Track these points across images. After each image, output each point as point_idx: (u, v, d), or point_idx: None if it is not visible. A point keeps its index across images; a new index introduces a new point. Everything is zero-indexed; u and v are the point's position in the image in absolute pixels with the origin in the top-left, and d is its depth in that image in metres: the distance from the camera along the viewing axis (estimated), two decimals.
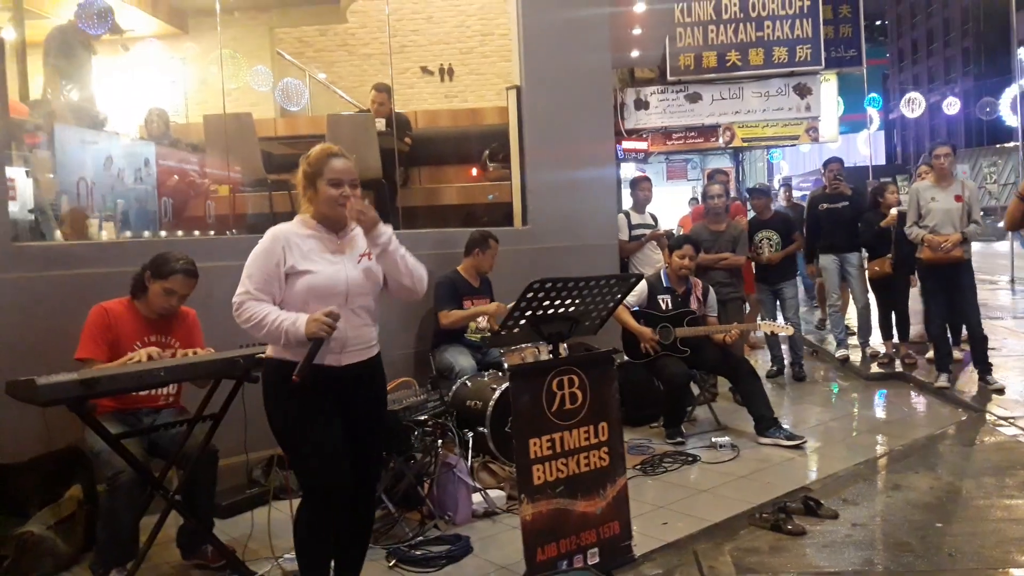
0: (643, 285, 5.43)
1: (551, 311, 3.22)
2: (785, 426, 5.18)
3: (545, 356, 4.70)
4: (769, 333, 5.92)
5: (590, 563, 3.17)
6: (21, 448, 3.70)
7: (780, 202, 12.75)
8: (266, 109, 8.44)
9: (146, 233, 5.32)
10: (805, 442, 5.02)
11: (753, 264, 7.26)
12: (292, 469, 2.98)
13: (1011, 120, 31.93)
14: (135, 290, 3.59)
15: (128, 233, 5.05)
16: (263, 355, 2.97)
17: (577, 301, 3.28)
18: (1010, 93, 31.75)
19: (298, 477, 2.92)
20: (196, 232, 5.74)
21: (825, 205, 7.21)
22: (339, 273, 2.81)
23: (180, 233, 5.55)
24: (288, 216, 3.00)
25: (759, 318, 6.61)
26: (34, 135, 4.94)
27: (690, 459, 4.87)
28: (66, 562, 3.55)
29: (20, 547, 3.44)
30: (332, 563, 2.96)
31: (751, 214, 7.75)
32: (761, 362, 7.45)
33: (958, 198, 6.06)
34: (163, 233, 5.47)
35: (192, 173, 6.18)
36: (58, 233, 4.52)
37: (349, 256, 2.88)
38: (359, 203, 2.82)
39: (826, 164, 7.50)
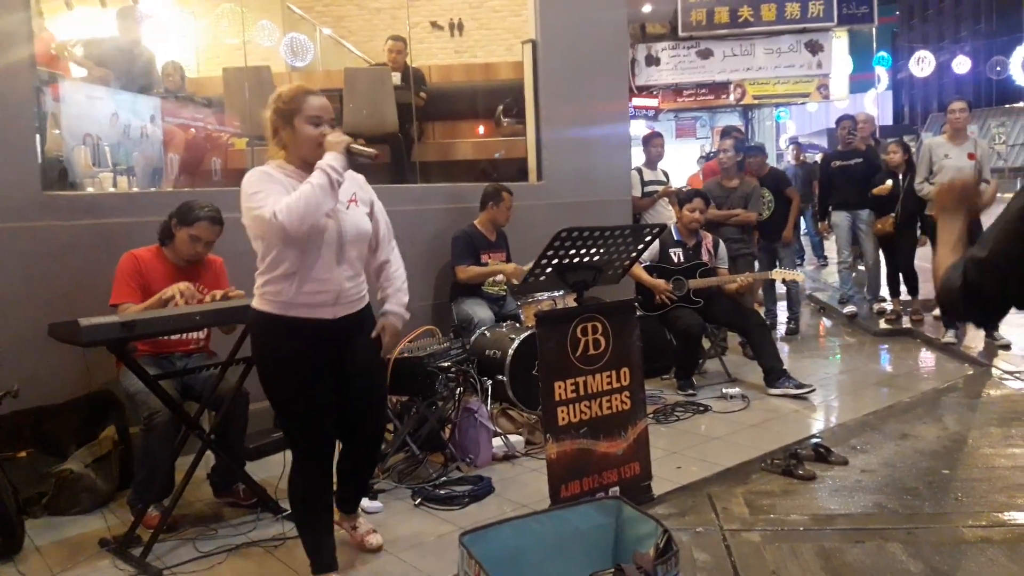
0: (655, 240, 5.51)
1: (576, 259, 3.30)
2: (796, 380, 5.29)
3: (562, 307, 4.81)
4: (782, 280, 6.00)
5: None
6: (59, 391, 3.82)
7: (789, 160, 12.75)
8: (279, 63, 8.42)
9: (168, 188, 5.38)
10: (813, 390, 5.14)
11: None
12: (280, 424, 2.85)
13: (1021, 80, 31.66)
14: (163, 237, 3.67)
15: (135, 188, 5.10)
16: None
17: (602, 250, 3.36)
18: (1021, 52, 31.44)
19: (287, 433, 2.82)
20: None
21: (838, 162, 7.24)
22: (330, 220, 2.62)
23: (203, 188, 5.60)
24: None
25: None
26: (56, 86, 4.96)
27: (701, 409, 4.99)
28: (103, 499, 3.70)
29: (59, 484, 3.58)
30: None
31: None
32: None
33: (971, 156, 6.10)
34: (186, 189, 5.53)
35: (208, 128, 6.21)
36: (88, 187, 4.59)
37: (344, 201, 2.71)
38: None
39: (839, 121, 7.51)
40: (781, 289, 7.28)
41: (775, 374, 5.28)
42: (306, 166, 2.64)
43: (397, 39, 6.84)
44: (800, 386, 5.17)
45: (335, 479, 2.90)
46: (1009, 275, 1.53)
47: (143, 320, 3.00)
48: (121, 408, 3.88)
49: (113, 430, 3.83)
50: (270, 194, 2.54)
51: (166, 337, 3.53)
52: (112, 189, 4.76)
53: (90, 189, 4.56)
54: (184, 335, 3.64)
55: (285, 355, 2.65)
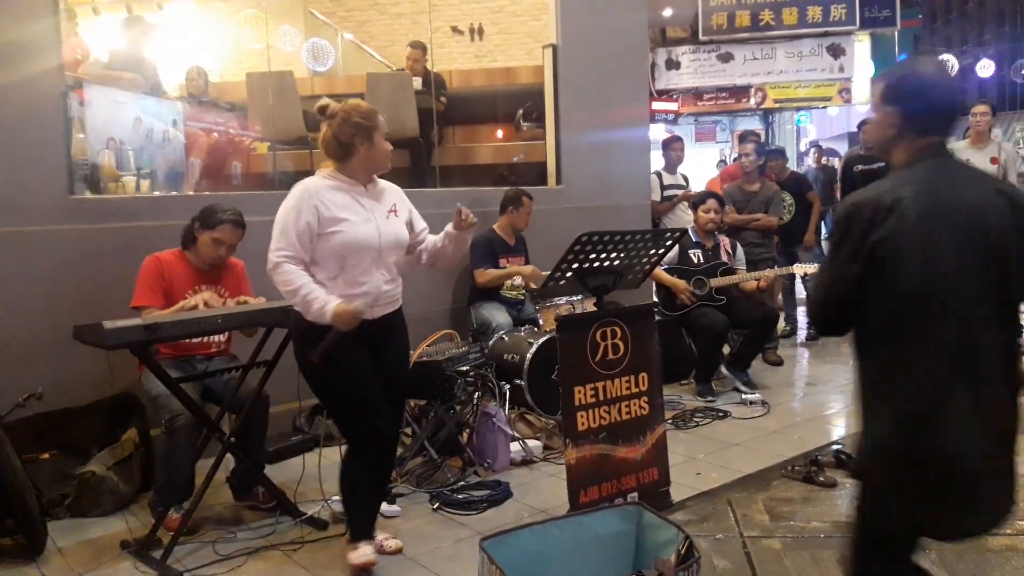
0: None
1: (596, 264, 3.30)
2: (756, 385, 5.42)
3: (579, 312, 4.80)
4: (803, 275, 5.97)
5: None
6: (83, 393, 3.86)
7: (810, 164, 12.66)
8: (301, 68, 8.48)
9: (190, 192, 5.43)
10: (757, 401, 5.13)
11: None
12: (335, 420, 3.07)
13: None
14: (186, 241, 3.70)
15: (158, 192, 5.16)
16: None
17: (622, 255, 3.35)
18: None
19: (345, 428, 3.01)
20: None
21: (860, 166, 7.16)
22: (371, 227, 2.87)
23: (226, 192, 5.65)
24: None
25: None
26: (82, 91, 5.03)
27: (721, 414, 4.96)
28: (125, 501, 3.72)
29: (82, 486, 3.61)
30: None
31: None
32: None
33: (994, 160, 6.02)
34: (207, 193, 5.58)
35: (230, 132, 6.26)
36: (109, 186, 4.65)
37: (379, 209, 2.95)
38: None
39: (861, 124, 7.45)
40: (801, 294, 7.22)
41: (740, 363, 5.45)
42: (363, 177, 2.91)
43: (416, 46, 6.87)
44: (749, 384, 5.31)
45: None
46: (842, 316, 1.88)
47: (166, 323, 3.03)
48: (143, 411, 3.91)
49: (135, 432, 3.86)
50: (290, 237, 2.78)
51: (188, 340, 3.56)
52: (136, 193, 4.82)
53: (115, 193, 4.61)
54: (205, 338, 3.66)
55: (333, 353, 2.79)
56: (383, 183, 3.03)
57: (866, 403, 1.89)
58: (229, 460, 3.51)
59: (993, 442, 1.80)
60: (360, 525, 3.03)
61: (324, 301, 2.75)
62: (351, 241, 2.82)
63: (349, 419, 2.96)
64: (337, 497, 3.39)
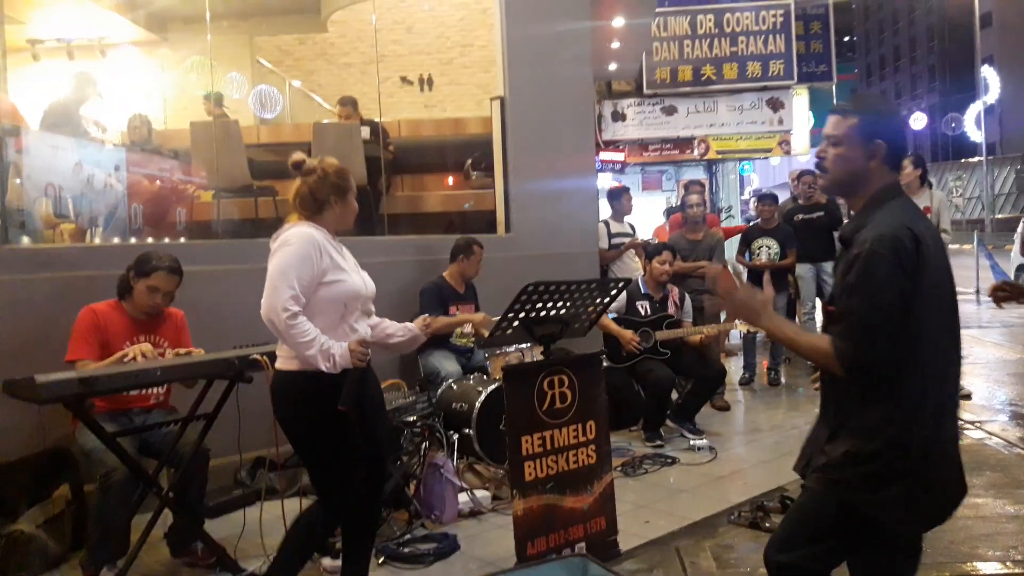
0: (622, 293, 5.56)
1: (543, 313, 3.31)
2: (701, 431, 5.50)
3: (528, 360, 4.80)
4: (746, 331, 6.08)
5: None
6: (12, 448, 3.71)
7: (752, 212, 12.97)
8: (247, 117, 8.46)
9: (131, 240, 5.34)
10: (704, 447, 5.18)
11: (745, 272, 7.34)
12: (323, 477, 2.90)
13: (975, 136, 32.79)
14: (121, 290, 3.63)
15: (97, 240, 5.06)
16: (257, 357, 3.05)
17: (568, 304, 3.38)
18: (974, 109, 32.65)
19: (321, 488, 2.90)
20: (182, 239, 5.77)
21: (801, 216, 7.37)
22: (358, 278, 2.93)
23: (167, 239, 5.58)
24: (274, 222, 3.09)
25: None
26: (20, 139, 4.94)
27: (669, 461, 4.97)
28: (55, 560, 3.56)
29: (10, 545, 3.44)
30: None
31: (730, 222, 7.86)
32: (734, 368, 7.59)
33: (927, 209, 6.24)
34: (150, 239, 5.50)
35: (174, 179, 6.20)
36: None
37: (351, 261, 2.99)
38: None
39: (799, 176, 7.67)
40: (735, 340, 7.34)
41: (686, 414, 5.53)
42: (334, 234, 2.95)
43: (345, 103, 6.89)
44: (695, 435, 5.37)
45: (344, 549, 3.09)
46: (896, 345, 1.88)
47: (103, 376, 2.94)
48: (76, 466, 3.77)
49: (67, 488, 3.72)
50: (301, 288, 2.72)
51: (125, 393, 3.46)
52: (75, 242, 4.71)
53: (52, 241, 4.50)
54: (144, 391, 3.56)
55: (325, 409, 2.74)
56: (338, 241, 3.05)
57: (870, 421, 1.96)
58: (167, 516, 3.40)
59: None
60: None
61: (337, 347, 2.74)
62: (352, 290, 2.85)
63: (342, 477, 2.86)
64: None
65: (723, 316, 6.76)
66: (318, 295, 2.78)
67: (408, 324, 3.20)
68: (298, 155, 2.98)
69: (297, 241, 2.76)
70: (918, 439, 1.93)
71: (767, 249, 6.97)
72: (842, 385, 2.00)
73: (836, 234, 7.05)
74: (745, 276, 7.15)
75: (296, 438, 2.85)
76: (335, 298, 2.81)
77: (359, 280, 2.92)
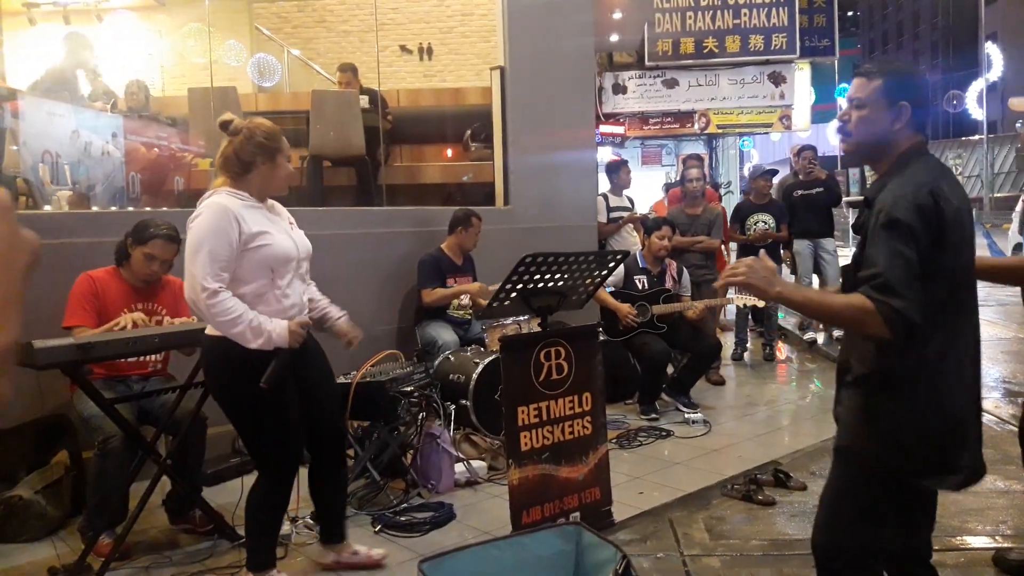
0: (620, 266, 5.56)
1: (540, 285, 3.32)
2: (696, 405, 5.52)
3: (526, 332, 4.82)
4: (743, 305, 6.09)
5: None
6: (10, 414, 3.71)
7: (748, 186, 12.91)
8: (245, 84, 8.39)
9: (129, 208, 5.31)
10: (699, 420, 5.24)
11: (736, 247, 7.34)
12: (258, 448, 2.87)
13: (977, 113, 32.61)
14: (119, 257, 3.62)
15: (95, 208, 5.03)
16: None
17: (566, 276, 3.38)
18: (976, 87, 32.43)
19: (256, 453, 2.89)
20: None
21: (800, 192, 7.36)
22: (288, 239, 2.83)
23: (165, 208, 5.54)
24: None
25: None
26: (15, 101, 4.90)
27: (664, 434, 5.01)
28: (54, 526, 3.60)
29: (9, 511, 3.48)
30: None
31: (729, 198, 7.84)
32: (729, 343, 7.61)
33: None
34: (147, 208, 5.47)
35: (172, 147, 6.16)
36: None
37: (283, 223, 2.91)
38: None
39: (800, 152, 7.64)
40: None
41: (681, 388, 5.56)
42: (258, 197, 2.82)
43: (345, 68, 6.82)
44: (690, 409, 5.41)
45: (317, 514, 3.20)
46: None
47: (100, 342, 2.95)
48: (74, 432, 3.79)
49: (65, 455, 3.74)
50: (221, 262, 2.63)
51: (123, 360, 3.47)
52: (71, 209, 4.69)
53: (48, 208, 4.48)
54: (141, 357, 3.57)
55: (252, 380, 2.67)
56: (271, 202, 2.95)
57: (900, 387, 1.94)
58: (165, 483, 3.43)
59: None
60: (269, 555, 2.94)
61: (273, 324, 2.69)
62: (279, 253, 2.75)
63: (277, 446, 2.83)
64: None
65: (731, 292, 6.80)
66: (242, 263, 2.69)
67: (345, 321, 3.13)
68: (227, 115, 2.85)
69: (207, 213, 2.67)
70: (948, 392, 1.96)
71: (763, 224, 6.97)
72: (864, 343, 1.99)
73: (837, 208, 7.09)
74: (736, 252, 7.20)
75: (226, 406, 2.81)
76: (260, 263, 2.71)
77: (288, 241, 2.81)
